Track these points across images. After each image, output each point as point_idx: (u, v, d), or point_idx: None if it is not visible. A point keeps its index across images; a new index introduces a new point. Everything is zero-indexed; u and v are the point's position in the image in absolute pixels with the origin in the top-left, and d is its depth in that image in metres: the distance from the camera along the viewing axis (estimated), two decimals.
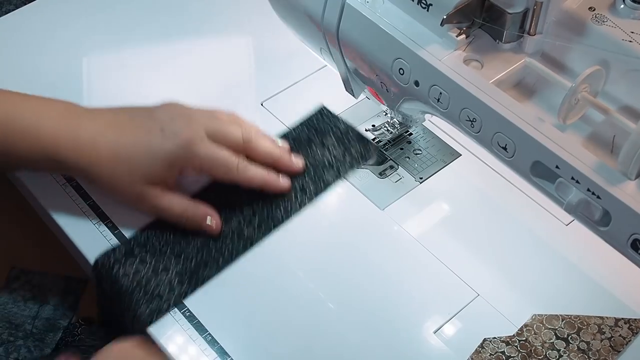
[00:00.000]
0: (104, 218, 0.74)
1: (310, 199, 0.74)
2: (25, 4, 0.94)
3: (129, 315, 0.67)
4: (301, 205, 0.73)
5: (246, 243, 0.71)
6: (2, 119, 0.68)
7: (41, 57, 0.88)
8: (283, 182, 0.73)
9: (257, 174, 0.72)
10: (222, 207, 0.72)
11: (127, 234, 0.72)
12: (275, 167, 0.73)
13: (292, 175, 0.74)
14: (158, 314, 0.67)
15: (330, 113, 0.80)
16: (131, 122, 0.70)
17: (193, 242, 0.71)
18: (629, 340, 0.66)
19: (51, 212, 0.74)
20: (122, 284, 0.68)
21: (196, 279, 0.69)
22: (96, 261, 0.70)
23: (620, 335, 0.66)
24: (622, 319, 0.67)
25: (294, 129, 0.79)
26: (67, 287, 0.81)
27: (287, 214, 0.73)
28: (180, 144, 0.68)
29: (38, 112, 0.69)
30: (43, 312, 0.79)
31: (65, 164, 0.69)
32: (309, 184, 0.74)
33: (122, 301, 0.68)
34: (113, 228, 0.73)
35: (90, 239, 0.72)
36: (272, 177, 0.73)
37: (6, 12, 0.93)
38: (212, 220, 0.71)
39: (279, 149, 0.74)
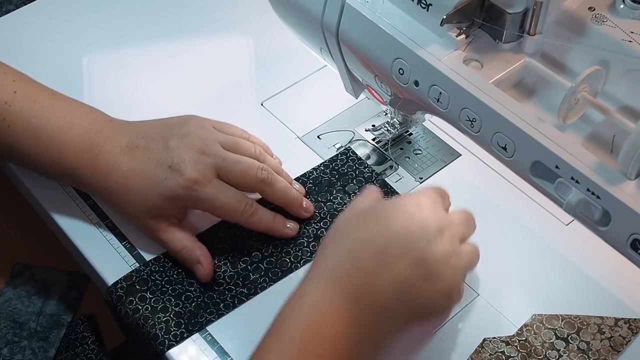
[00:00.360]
0: (103, 218, 0.74)
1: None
2: (25, 4, 0.94)
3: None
4: (312, 254, 0.70)
5: (250, 288, 0.68)
6: (31, 128, 0.69)
7: (41, 56, 0.88)
8: (289, 230, 0.71)
9: (263, 219, 0.70)
10: (230, 247, 0.71)
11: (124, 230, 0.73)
12: (286, 209, 0.72)
13: (303, 220, 0.73)
14: (155, 356, 0.66)
15: (356, 156, 0.77)
16: (145, 152, 0.69)
17: (196, 283, 0.69)
18: (629, 340, 0.66)
19: (52, 214, 0.75)
20: (125, 322, 0.68)
21: (194, 322, 0.66)
22: (105, 293, 0.69)
23: (620, 335, 0.66)
24: (622, 318, 0.67)
25: (315, 169, 0.77)
26: (70, 282, 0.81)
27: (297, 262, 0.70)
28: (183, 184, 0.67)
29: (63, 127, 0.70)
30: (47, 307, 0.80)
31: (83, 185, 0.71)
32: (323, 232, 0.72)
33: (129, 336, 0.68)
34: (113, 228, 0.73)
35: (92, 241, 0.72)
36: (278, 224, 0.71)
37: (6, 12, 0.93)
38: (201, 268, 0.69)
39: (293, 193, 0.72)
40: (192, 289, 0.68)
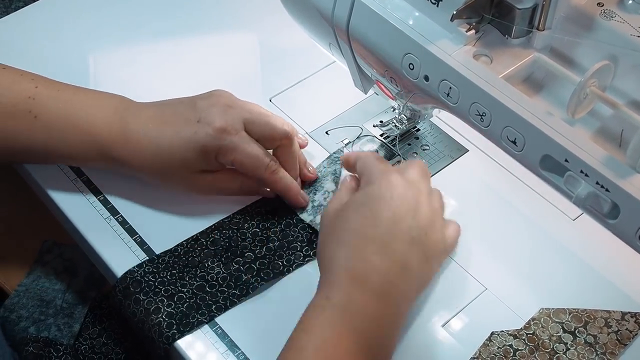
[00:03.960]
0: (114, 212, 0.74)
1: (316, 254, 0.68)
2: (35, 1, 0.94)
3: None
4: (305, 258, 0.71)
5: (242, 289, 0.68)
6: (59, 114, 0.71)
7: (49, 54, 0.89)
8: (302, 199, 0.73)
9: (283, 178, 0.72)
10: (224, 249, 0.71)
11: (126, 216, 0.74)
12: (299, 172, 0.75)
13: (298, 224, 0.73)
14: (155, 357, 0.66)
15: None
16: (173, 116, 0.71)
17: (189, 285, 0.69)
18: (636, 334, 0.66)
19: (63, 209, 0.75)
20: (129, 325, 0.69)
21: (186, 322, 0.66)
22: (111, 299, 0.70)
23: (626, 329, 0.66)
24: (629, 312, 0.67)
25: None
26: None
27: (290, 266, 0.70)
28: (212, 133, 0.69)
29: (91, 108, 0.71)
30: (73, 285, 0.81)
31: (116, 160, 0.71)
32: (316, 238, 0.69)
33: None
34: (123, 223, 0.74)
35: (103, 236, 0.73)
36: (295, 187, 0.73)
37: (15, 9, 0.93)
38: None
39: (304, 158, 0.75)
40: (185, 290, 0.68)
